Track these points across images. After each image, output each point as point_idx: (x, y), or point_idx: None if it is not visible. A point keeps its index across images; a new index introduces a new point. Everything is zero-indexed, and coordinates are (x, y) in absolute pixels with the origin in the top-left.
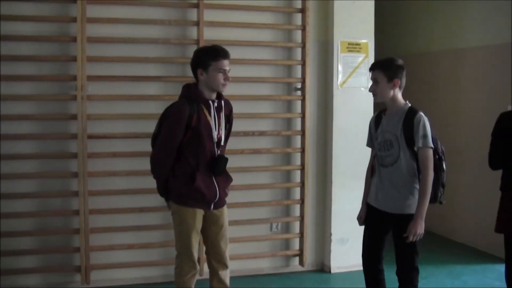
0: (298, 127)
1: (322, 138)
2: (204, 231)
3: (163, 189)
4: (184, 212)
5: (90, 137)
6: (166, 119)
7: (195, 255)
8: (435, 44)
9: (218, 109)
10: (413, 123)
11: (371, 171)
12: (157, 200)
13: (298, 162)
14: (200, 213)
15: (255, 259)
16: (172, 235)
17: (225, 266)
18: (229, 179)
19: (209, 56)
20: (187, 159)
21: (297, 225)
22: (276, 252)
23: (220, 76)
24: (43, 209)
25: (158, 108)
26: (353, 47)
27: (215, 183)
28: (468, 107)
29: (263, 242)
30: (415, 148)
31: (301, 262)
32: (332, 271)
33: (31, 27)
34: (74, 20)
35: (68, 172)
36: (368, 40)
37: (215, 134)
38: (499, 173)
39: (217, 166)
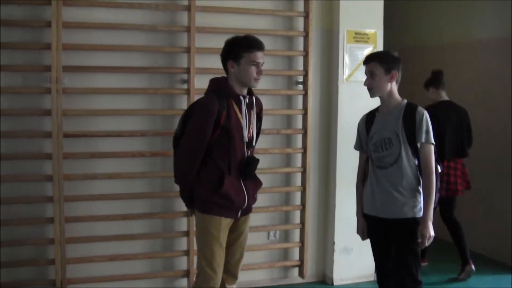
0: (300, 125)
1: (325, 137)
2: None
3: (189, 196)
4: (208, 221)
5: (66, 135)
6: (193, 115)
7: (219, 273)
8: (444, 36)
9: (249, 106)
10: (415, 118)
11: (362, 177)
12: (141, 206)
13: (299, 163)
14: (226, 223)
15: (251, 270)
16: (158, 245)
17: (234, 278)
18: (258, 183)
19: (241, 47)
20: (214, 161)
21: (297, 233)
22: (274, 263)
23: (253, 70)
24: (12, 217)
25: (142, 103)
26: (361, 37)
27: (244, 188)
28: (479, 100)
29: (259, 252)
30: (418, 144)
31: (301, 274)
32: (335, 283)
33: None
34: (48, 3)
35: (41, 175)
36: (376, 30)
37: (245, 133)
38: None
39: (248, 169)
